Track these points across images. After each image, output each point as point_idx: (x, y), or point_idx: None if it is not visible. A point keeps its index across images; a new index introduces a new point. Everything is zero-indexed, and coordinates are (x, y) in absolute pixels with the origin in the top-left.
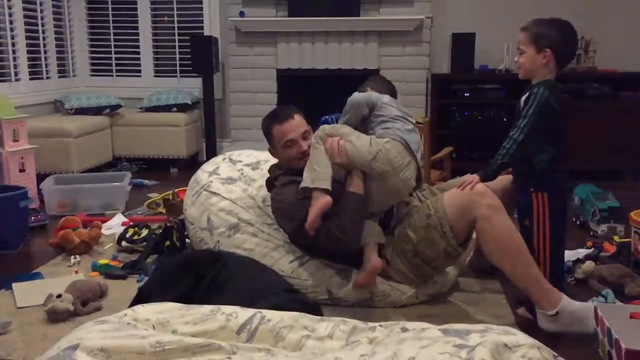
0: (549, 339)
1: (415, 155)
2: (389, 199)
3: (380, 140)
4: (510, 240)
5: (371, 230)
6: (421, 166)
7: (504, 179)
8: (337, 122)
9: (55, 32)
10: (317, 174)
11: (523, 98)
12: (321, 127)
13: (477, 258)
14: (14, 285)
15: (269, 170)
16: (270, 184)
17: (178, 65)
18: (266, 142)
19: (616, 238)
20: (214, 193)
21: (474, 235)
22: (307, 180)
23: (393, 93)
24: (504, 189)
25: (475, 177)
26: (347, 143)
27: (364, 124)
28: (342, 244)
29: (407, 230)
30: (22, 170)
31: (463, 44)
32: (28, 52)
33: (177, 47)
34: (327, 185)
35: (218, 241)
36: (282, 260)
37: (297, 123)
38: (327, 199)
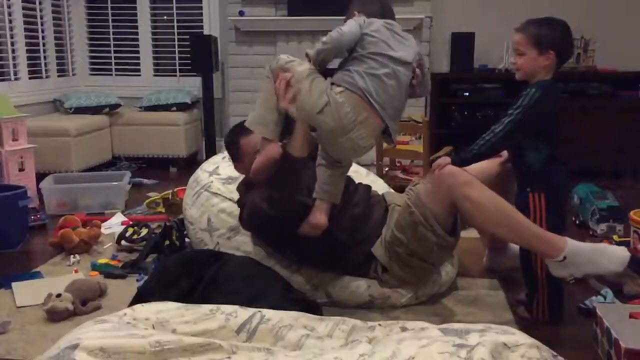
0: (548, 338)
1: (380, 108)
2: (341, 154)
3: (335, 90)
4: (496, 209)
5: (326, 182)
6: (390, 119)
7: (490, 164)
8: None
9: (55, 31)
10: (260, 117)
11: None
12: (279, 57)
13: (494, 256)
14: (14, 284)
15: (238, 190)
16: (242, 204)
17: (177, 65)
18: None
19: (615, 237)
20: (215, 194)
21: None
22: (249, 119)
23: (386, 13)
24: (489, 174)
25: (447, 159)
26: (296, 86)
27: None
28: (264, 218)
29: (396, 233)
30: (21, 170)
31: (463, 43)
32: (27, 51)
33: (176, 46)
34: (267, 133)
35: (218, 243)
36: (280, 263)
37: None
38: (274, 149)
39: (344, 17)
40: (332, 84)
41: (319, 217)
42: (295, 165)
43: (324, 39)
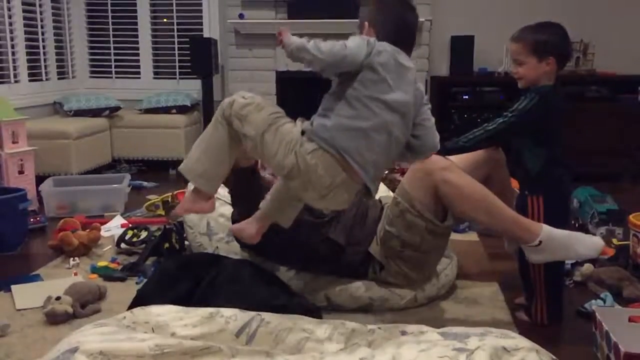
0: (547, 342)
1: (361, 169)
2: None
3: (306, 147)
4: (475, 191)
5: (275, 203)
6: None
7: (474, 156)
8: None
9: (55, 34)
10: (204, 171)
11: None
12: (233, 98)
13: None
14: (13, 287)
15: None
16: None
17: (177, 67)
18: None
19: (615, 241)
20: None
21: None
22: (186, 166)
23: (401, 31)
24: (475, 165)
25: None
26: (255, 140)
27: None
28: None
29: (387, 227)
30: (21, 172)
31: (462, 46)
32: (27, 53)
33: (176, 49)
34: (211, 190)
35: (217, 247)
36: (279, 267)
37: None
38: (210, 207)
39: (344, 20)
40: (303, 132)
41: (249, 227)
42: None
43: (322, 46)
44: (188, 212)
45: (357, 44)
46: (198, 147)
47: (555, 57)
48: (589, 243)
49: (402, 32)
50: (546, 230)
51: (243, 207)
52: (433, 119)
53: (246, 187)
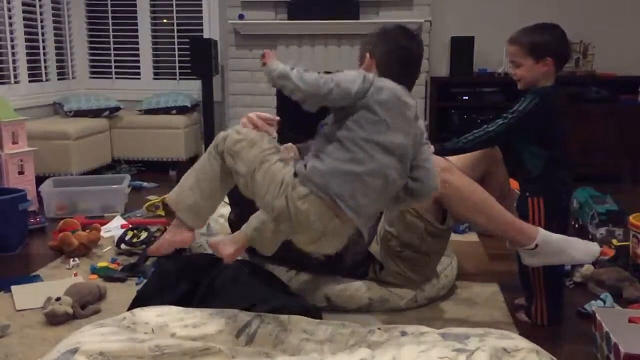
0: (547, 342)
1: (355, 214)
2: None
3: (298, 191)
4: (474, 194)
5: (258, 232)
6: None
7: (471, 154)
8: None
9: (55, 34)
10: (195, 203)
11: None
12: (227, 133)
13: None
14: (13, 287)
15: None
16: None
17: (177, 68)
18: None
19: (615, 242)
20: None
21: None
22: (175, 197)
23: (406, 64)
24: (472, 163)
25: (431, 148)
26: (246, 177)
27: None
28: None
29: (387, 228)
30: (21, 173)
31: (462, 47)
32: (27, 54)
33: (176, 49)
34: (198, 224)
35: None
36: (278, 269)
37: None
38: (189, 238)
39: (344, 21)
40: (296, 175)
41: (227, 247)
42: None
43: (306, 76)
44: (170, 248)
45: (351, 78)
46: (189, 178)
47: (552, 58)
48: (585, 249)
49: (405, 67)
50: (543, 234)
51: (240, 208)
52: (432, 158)
53: None
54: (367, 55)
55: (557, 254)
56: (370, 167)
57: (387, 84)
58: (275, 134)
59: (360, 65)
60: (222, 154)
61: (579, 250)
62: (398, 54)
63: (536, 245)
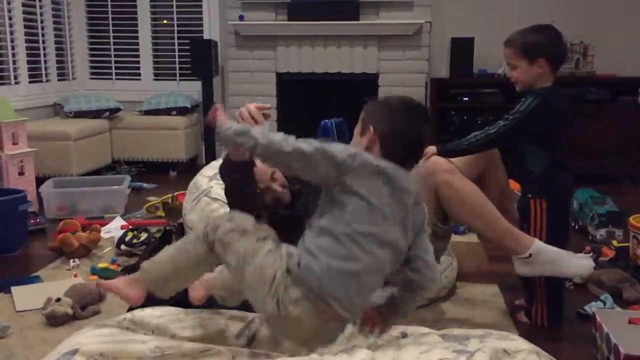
0: (547, 344)
1: (347, 312)
2: None
3: (290, 294)
4: (475, 198)
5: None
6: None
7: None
8: (336, 128)
9: (55, 35)
10: (166, 277)
11: None
12: (220, 223)
13: None
14: (13, 288)
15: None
16: None
17: (177, 69)
18: None
19: (615, 243)
20: (215, 199)
21: None
22: (146, 267)
23: (409, 155)
24: (471, 161)
25: (433, 148)
26: (238, 270)
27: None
28: None
29: None
30: (21, 174)
31: (462, 48)
32: (28, 55)
33: (176, 50)
34: (159, 293)
35: None
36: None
37: (261, 170)
38: (139, 299)
39: (344, 22)
40: (288, 271)
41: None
42: None
43: (272, 135)
44: (117, 292)
45: (340, 147)
46: (169, 253)
47: (546, 58)
48: (578, 264)
49: (412, 153)
50: (538, 244)
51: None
52: (431, 248)
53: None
54: (372, 128)
55: (549, 265)
56: (367, 264)
57: (387, 169)
58: (266, 124)
59: (361, 135)
60: (212, 244)
61: (572, 264)
62: (406, 140)
63: (530, 255)
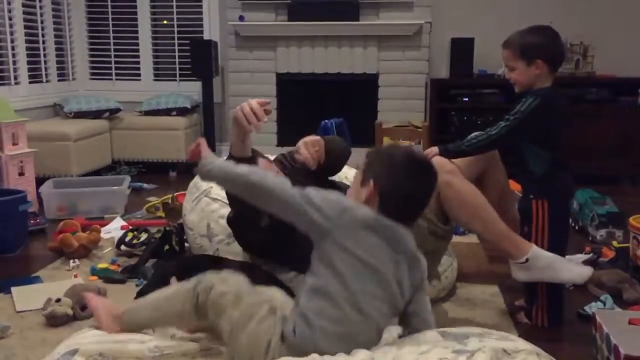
0: (547, 344)
1: None
2: None
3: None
4: (476, 200)
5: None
6: None
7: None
8: (336, 129)
9: (55, 36)
10: (150, 318)
11: None
12: (212, 285)
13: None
14: (13, 289)
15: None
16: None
17: (177, 69)
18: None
19: (615, 243)
20: (215, 199)
21: None
22: (137, 306)
23: (408, 213)
24: (470, 161)
25: (435, 149)
26: (232, 336)
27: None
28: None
29: None
30: (21, 174)
31: (462, 48)
32: (28, 55)
33: (176, 51)
34: (129, 329)
35: (217, 249)
36: (280, 269)
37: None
38: (112, 329)
39: (344, 23)
40: (282, 338)
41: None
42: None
43: (254, 179)
44: (96, 317)
45: (331, 196)
46: (155, 302)
47: (544, 59)
48: (574, 271)
49: (410, 210)
50: (535, 250)
51: (238, 208)
52: (429, 306)
53: None
54: (372, 182)
55: (545, 271)
56: (365, 324)
57: (387, 228)
58: (266, 119)
59: (361, 185)
60: (203, 306)
61: (569, 271)
62: (407, 200)
63: (527, 260)
